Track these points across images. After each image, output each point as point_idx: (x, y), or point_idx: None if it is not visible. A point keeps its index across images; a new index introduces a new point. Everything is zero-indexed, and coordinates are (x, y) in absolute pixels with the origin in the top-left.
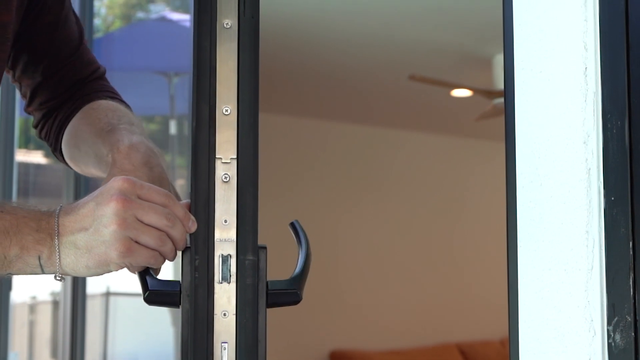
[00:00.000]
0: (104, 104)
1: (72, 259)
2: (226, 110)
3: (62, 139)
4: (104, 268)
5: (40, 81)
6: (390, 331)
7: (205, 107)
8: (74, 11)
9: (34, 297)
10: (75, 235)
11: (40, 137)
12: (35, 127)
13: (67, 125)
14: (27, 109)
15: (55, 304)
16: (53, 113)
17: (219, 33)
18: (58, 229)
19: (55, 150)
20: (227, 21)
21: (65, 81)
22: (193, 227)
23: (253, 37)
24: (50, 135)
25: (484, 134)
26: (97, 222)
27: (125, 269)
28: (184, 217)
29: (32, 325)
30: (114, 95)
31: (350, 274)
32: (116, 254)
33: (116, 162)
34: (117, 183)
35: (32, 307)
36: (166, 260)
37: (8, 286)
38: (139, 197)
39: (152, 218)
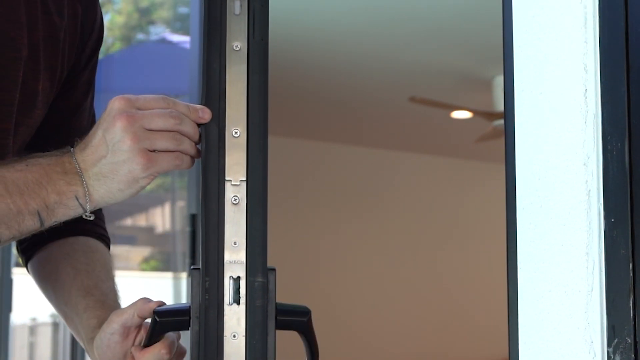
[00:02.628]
0: (94, 251)
1: (104, 188)
2: (236, 133)
3: (35, 251)
4: (135, 186)
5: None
6: (388, 352)
7: (215, 129)
8: (93, 110)
9: (34, 319)
10: (97, 165)
11: None
12: None
13: (48, 241)
14: None
15: (55, 325)
16: None
17: (228, 55)
18: (79, 165)
19: (22, 252)
20: (237, 43)
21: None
22: (205, 114)
23: (262, 59)
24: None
25: (484, 156)
26: (112, 146)
27: None
28: (189, 111)
29: (32, 347)
30: (102, 232)
31: (348, 294)
32: (139, 167)
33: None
34: (114, 104)
35: (32, 329)
36: (193, 161)
37: (8, 308)
38: (139, 109)
39: (159, 122)
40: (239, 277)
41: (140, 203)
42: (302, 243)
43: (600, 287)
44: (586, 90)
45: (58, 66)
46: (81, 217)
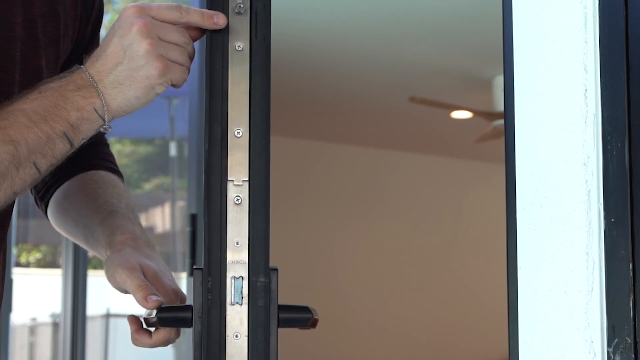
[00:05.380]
0: (104, 177)
1: (122, 96)
2: (238, 133)
3: (51, 194)
4: (151, 92)
5: None
6: (389, 352)
7: (218, 129)
8: None
9: (34, 319)
10: (113, 73)
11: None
12: None
13: (61, 183)
14: None
15: (55, 325)
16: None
17: (231, 55)
18: (94, 77)
19: (41, 200)
20: (239, 44)
21: None
22: (220, 20)
23: (265, 59)
24: (39, 184)
25: (484, 156)
26: (129, 51)
27: None
28: (203, 18)
29: (32, 347)
30: (112, 166)
31: (349, 293)
32: (157, 72)
33: (123, 242)
34: (128, 11)
35: (32, 329)
36: None
37: (8, 308)
38: (153, 18)
39: (173, 36)
40: (241, 277)
41: (140, 203)
42: (304, 243)
43: (600, 287)
44: (586, 90)
45: (61, 40)
46: (91, 154)
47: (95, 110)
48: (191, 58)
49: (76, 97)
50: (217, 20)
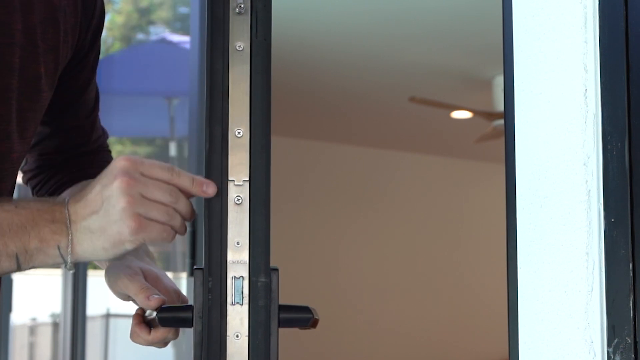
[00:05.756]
0: None
1: (88, 244)
2: (238, 133)
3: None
4: (120, 247)
5: (48, 132)
6: (390, 352)
7: (218, 129)
8: (96, 84)
9: (34, 319)
10: (87, 220)
11: (26, 183)
12: (25, 172)
13: (61, 191)
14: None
15: (55, 325)
16: (49, 169)
17: (231, 55)
18: (70, 217)
19: None
20: (240, 44)
21: (73, 141)
22: (210, 189)
23: (265, 59)
24: (40, 191)
25: (484, 156)
26: (106, 203)
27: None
28: (193, 184)
29: (32, 346)
30: None
31: (348, 294)
32: (128, 230)
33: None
34: (119, 163)
35: (32, 329)
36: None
37: (8, 308)
38: (142, 174)
39: (157, 195)
40: (242, 277)
41: None
42: (304, 243)
43: (600, 287)
44: (586, 90)
45: (60, 47)
46: (98, 159)
47: (59, 247)
48: (184, 215)
49: (46, 228)
50: (207, 189)
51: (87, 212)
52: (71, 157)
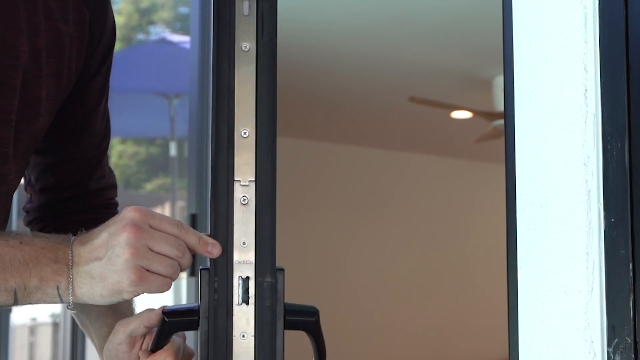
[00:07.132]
0: None
1: (87, 288)
2: (244, 133)
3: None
4: (117, 296)
5: (51, 162)
6: (393, 352)
7: (224, 129)
8: (107, 113)
9: (34, 319)
10: (89, 265)
11: (27, 224)
12: (27, 211)
13: (65, 230)
14: (27, 188)
15: (55, 325)
16: (52, 211)
17: (237, 56)
18: (73, 258)
19: None
20: (246, 44)
21: (76, 175)
22: (215, 250)
23: (271, 59)
24: (47, 225)
25: (484, 156)
26: (110, 252)
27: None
28: (199, 243)
29: (32, 346)
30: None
31: (351, 294)
32: (128, 282)
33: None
34: (129, 213)
35: (32, 329)
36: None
37: (8, 308)
38: (151, 227)
39: (164, 248)
40: (248, 277)
41: (140, 203)
42: (306, 243)
43: (600, 287)
44: (586, 90)
45: (64, 72)
46: (105, 209)
47: (58, 288)
48: (184, 269)
49: (47, 267)
50: (212, 249)
51: (91, 257)
52: (72, 197)
